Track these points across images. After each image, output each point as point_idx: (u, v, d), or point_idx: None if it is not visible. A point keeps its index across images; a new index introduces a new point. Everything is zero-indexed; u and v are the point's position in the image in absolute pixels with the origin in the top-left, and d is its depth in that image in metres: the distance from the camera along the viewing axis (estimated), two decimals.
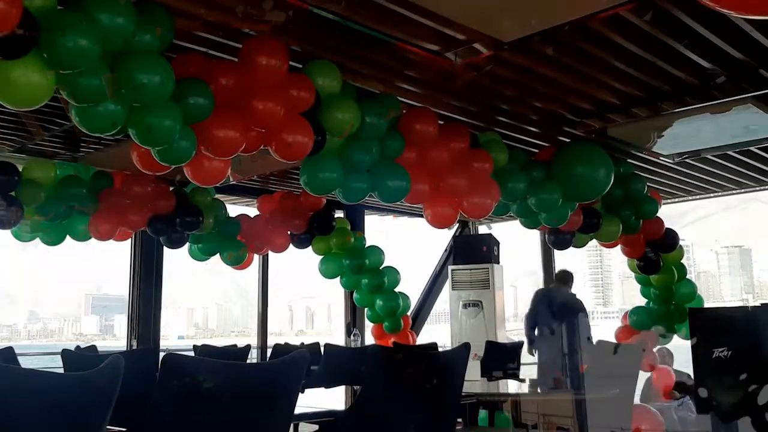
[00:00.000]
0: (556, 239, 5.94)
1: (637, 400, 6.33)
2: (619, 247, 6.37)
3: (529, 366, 7.20)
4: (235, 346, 5.99)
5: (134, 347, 6.14)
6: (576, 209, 5.38)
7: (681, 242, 6.47)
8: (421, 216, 4.83)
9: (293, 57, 3.58)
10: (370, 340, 6.96)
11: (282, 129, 3.56)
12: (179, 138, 3.23)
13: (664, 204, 6.81)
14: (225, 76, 3.39)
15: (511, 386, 4.44)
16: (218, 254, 6.24)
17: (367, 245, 6.78)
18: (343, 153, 4.01)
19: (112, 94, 2.92)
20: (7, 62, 2.67)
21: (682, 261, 6.55)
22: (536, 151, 5.55)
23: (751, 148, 5.60)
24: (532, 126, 5.13)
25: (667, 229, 6.26)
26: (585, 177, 5.12)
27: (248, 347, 5.91)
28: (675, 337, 6.50)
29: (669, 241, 6.30)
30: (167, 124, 3.14)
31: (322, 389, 3.89)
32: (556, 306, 6.87)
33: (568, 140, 5.44)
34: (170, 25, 3.16)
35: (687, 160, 5.88)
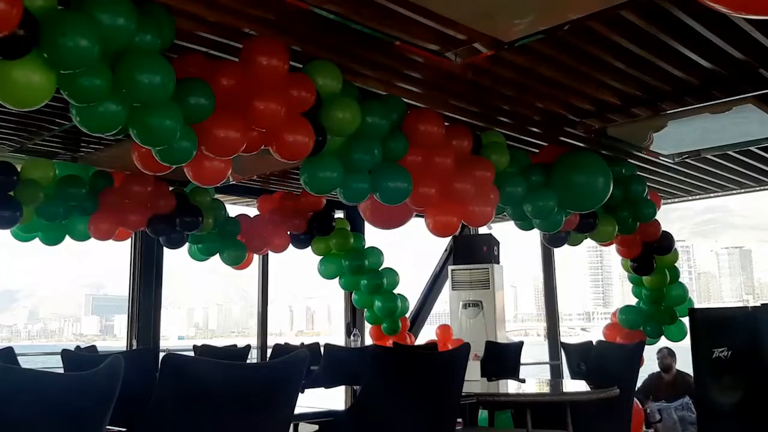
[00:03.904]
0: (551, 237, 6.06)
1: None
2: (615, 246, 6.40)
3: (528, 366, 7.21)
4: (235, 346, 6.00)
5: (134, 347, 6.14)
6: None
7: (681, 243, 6.49)
8: (422, 216, 4.82)
9: (294, 57, 3.58)
10: (370, 340, 6.96)
11: (283, 129, 3.56)
12: (180, 138, 3.23)
13: (664, 204, 6.82)
14: (226, 76, 3.39)
15: (511, 386, 4.44)
16: (218, 254, 6.24)
17: (366, 246, 6.78)
18: (343, 153, 4.01)
19: None
20: (7, 62, 2.67)
21: (675, 264, 6.56)
22: (536, 151, 5.55)
23: (751, 148, 5.59)
24: (533, 126, 5.13)
25: (663, 231, 6.27)
26: (583, 187, 5.18)
27: (248, 347, 5.92)
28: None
29: (665, 243, 6.31)
30: (168, 124, 3.14)
31: (322, 389, 3.89)
32: None
33: (568, 140, 5.44)
34: (171, 25, 3.16)
35: (687, 160, 5.88)
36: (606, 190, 5.15)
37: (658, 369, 6.86)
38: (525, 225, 5.57)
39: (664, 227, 6.34)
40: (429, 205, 4.55)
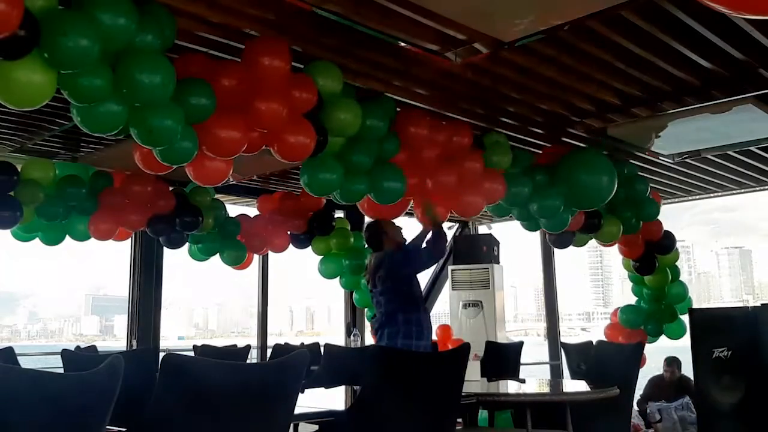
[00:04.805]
0: (557, 239, 6.01)
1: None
2: (617, 247, 6.39)
3: (528, 366, 7.20)
4: (235, 346, 6.00)
5: (134, 347, 6.14)
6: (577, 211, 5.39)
7: (681, 243, 6.51)
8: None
9: (294, 57, 3.57)
10: (370, 340, 6.95)
11: (284, 130, 3.56)
12: (181, 138, 3.23)
13: (664, 204, 6.83)
14: (228, 77, 3.38)
15: (511, 386, 4.44)
16: (218, 254, 6.23)
17: (366, 245, 6.77)
18: (344, 154, 4.01)
19: None
20: (8, 63, 2.67)
21: (676, 263, 6.56)
22: (539, 152, 5.55)
23: (751, 148, 5.59)
24: (534, 126, 5.12)
25: (665, 231, 6.27)
26: (588, 185, 5.10)
27: (248, 347, 5.92)
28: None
29: (667, 242, 6.31)
30: (168, 124, 3.13)
31: (322, 389, 3.89)
32: None
33: (569, 141, 5.44)
34: (172, 25, 3.16)
35: (687, 160, 5.88)
36: (611, 187, 5.07)
37: (657, 372, 6.87)
38: (531, 225, 5.53)
39: (670, 228, 6.34)
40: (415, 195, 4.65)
